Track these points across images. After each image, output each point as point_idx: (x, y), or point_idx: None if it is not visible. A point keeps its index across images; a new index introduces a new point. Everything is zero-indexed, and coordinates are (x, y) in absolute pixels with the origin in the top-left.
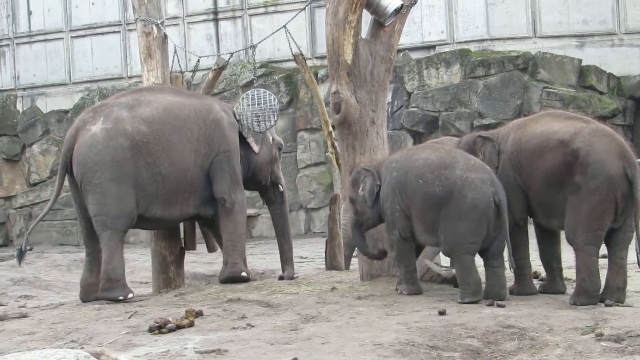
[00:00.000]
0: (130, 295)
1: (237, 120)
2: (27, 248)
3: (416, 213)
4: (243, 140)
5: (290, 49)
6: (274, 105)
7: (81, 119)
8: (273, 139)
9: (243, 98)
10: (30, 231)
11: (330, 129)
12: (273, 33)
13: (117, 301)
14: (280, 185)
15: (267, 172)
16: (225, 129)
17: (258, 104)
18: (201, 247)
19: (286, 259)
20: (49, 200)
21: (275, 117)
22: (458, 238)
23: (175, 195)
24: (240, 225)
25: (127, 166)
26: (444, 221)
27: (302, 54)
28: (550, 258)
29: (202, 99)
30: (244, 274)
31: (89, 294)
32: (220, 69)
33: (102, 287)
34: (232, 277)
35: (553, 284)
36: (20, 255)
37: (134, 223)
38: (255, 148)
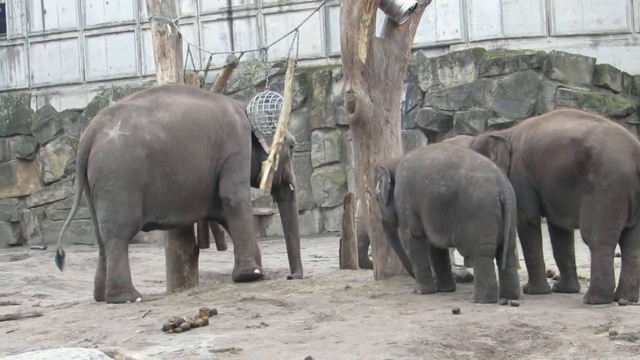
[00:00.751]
0: (139, 299)
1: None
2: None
3: (425, 213)
4: (255, 140)
5: (297, 51)
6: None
7: (98, 121)
8: (285, 138)
9: (256, 98)
10: (62, 236)
11: (280, 139)
12: (286, 35)
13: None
14: (290, 184)
15: (278, 172)
16: (238, 132)
17: (271, 106)
18: (214, 245)
19: (294, 256)
20: (62, 199)
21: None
22: (470, 239)
23: (191, 202)
24: (249, 223)
25: (141, 175)
26: (453, 221)
27: (296, 61)
28: (564, 257)
29: (217, 99)
30: (257, 271)
31: (103, 293)
32: (230, 66)
33: (108, 293)
34: (246, 275)
35: (567, 283)
36: (60, 260)
37: (139, 230)
38: (267, 149)
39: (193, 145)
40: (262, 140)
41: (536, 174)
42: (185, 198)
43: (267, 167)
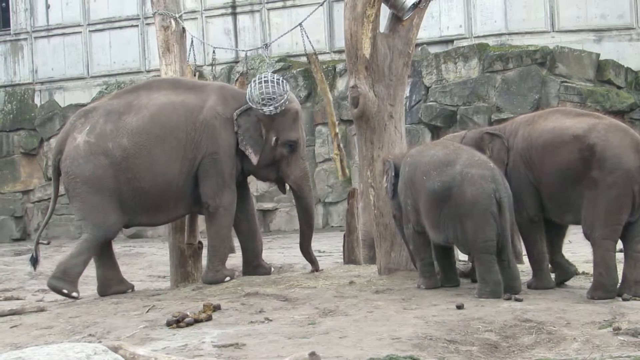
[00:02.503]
0: (75, 294)
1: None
2: (45, 242)
3: (423, 209)
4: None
5: (305, 47)
6: (285, 88)
7: (72, 123)
8: (277, 139)
9: (254, 81)
10: (37, 240)
11: (337, 130)
12: (289, 31)
13: (60, 293)
14: (287, 184)
15: (267, 174)
16: (215, 130)
17: (269, 86)
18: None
19: (308, 245)
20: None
21: (285, 99)
22: (469, 237)
23: (161, 205)
24: (224, 229)
25: (107, 181)
26: (448, 219)
27: (315, 54)
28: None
29: (201, 92)
30: (227, 279)
31: (107, 289)
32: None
33: (52, 275)
34: (213, 283)
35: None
36: (34, 261)
37: (115, 235)
38: (255, 160)
39: (158, 149)
40: (248, 151)
41: (536, 171)
42: (153, 202)
43: (336, 160)
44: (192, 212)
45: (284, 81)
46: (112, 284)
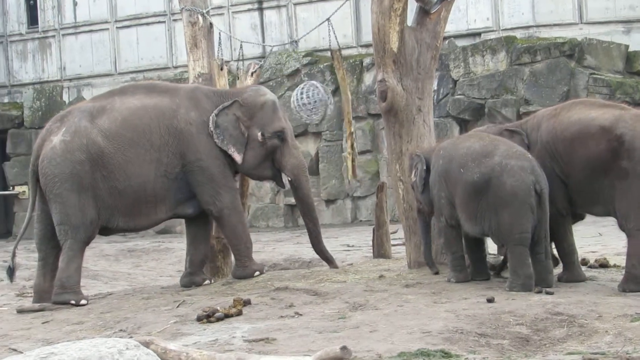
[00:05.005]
0: (83, 301)
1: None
2: (13, 265)
3: (459, 201)
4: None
5: (330, 42)
6: (324, 97)
7: (48, 128)
8: (263, 134)
9: (295, 92)
10: (15, 249)
11: (353, 129)
12: (317, 26)
13: (68, 304)
14: (287, 175)
15: (262, 172)
16: (192, 137)
17: (310, 96)
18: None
19: (318, 242)
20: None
21: (326, 108)
22: (505, 228)
23: (137, 208)
24: (237, 226)
25: (85, 178)
26: (486, 210)
27: (339, 50)
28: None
29: (175, 96)
30: (256, 273)
31: (43, 300)
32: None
33: (55, 292)
34: (244, 278)
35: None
36: (11, 272)
37: (95, 233)
38: (238, 158)
39: (131, 152)
40: (231, 150)
41: (562, 163)
42: (128, 204)
43: (347, 159)
44: (177, 214)
45: (323, 89)
46: (48, 297)
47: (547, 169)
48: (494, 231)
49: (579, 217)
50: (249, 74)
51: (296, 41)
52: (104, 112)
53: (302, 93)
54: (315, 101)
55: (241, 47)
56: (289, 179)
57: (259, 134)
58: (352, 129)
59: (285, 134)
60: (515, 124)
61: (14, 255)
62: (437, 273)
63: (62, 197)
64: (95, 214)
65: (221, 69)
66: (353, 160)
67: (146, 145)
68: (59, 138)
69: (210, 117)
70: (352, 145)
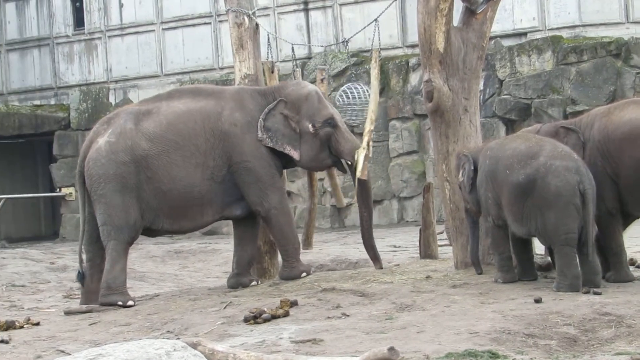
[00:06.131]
0: (130, 302)
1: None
2: (82, 269)
3: (505, 202)
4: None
5: (372, 42)
6: (368, 98)
7: (95, 131)
8: (313, 125)
9: (340, 92)
10: (80, 255)
11: (372, 127)
12: (364, 28)
13: (116, 305)
14: (343, 160)
15: (323, 161)
16: (237, 138)
17: (353, 97)
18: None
19: (369, 236)
20: None
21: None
22: (551, 229)
23: (183, 210)
24: (284, 227)
25: (129, 179)
26: (532, 211)
27: (379, 51)
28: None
29: (220, 100)
30: (303, 274)
31: (90, 302)
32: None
33: (101, 294)
34: (290, 279)
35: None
36: (82, 278)
37: (138, 234)
38: (296, 155)
39: (176, 155)
40: (287, 149)
41: (613, 163)
42: (173, 206)
43: (361, 155)
44: (225, 217)
45: (366, 89)
46: (95, 298)
47: (598, 168)
48: (540, 232)
49: (632, 218)
50: (319, 80)
51: (347, 41)
52: (150, 115)
53: (346, 93)
54: (360, 102)
55: (292, 50)
56: (348, 162)
57: (310, 125)
58: (372, 127)
59: (336, 120)
60: (570, 121)
61: (81, 261)
62: (480, 273)
63: (106, 197)
64: (139, 215)
65: (272, 72)
66: (365, 157)
67: (192, 148)
68: (105, 139)
69: (259, 123)
70: (367, 143)
